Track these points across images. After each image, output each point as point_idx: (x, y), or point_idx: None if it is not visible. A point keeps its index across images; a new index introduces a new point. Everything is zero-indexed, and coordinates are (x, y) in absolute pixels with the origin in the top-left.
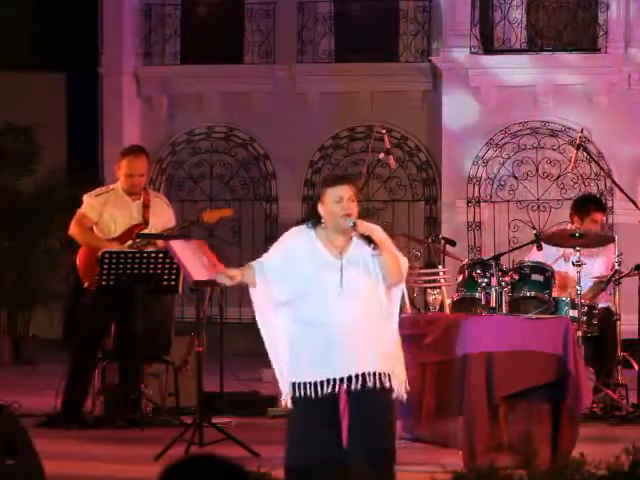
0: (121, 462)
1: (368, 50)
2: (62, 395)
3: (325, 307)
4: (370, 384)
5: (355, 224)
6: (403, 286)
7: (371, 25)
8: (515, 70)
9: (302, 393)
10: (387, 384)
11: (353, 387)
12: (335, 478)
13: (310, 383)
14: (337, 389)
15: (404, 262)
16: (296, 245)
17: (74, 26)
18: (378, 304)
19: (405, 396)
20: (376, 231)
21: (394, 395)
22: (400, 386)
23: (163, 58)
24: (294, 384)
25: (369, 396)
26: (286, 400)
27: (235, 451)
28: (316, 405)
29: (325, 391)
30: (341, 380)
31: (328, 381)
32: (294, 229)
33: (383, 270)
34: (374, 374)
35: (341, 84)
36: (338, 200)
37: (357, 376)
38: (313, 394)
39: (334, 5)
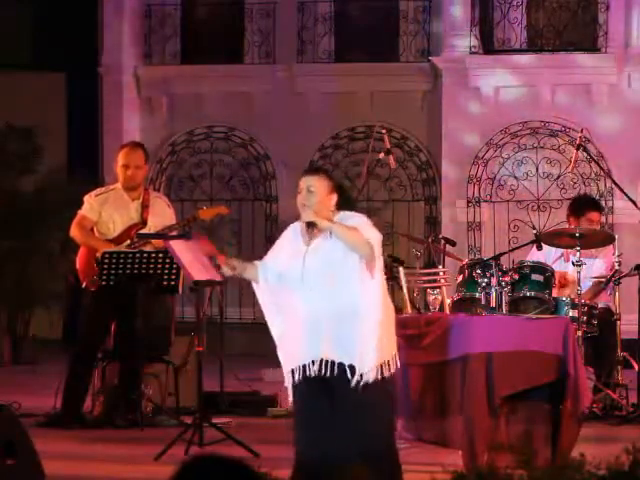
0: (121, 462)
1: (368, 50)
2: (62, 395)
3: (291, 294)
4: (325, 372)
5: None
6: (376, 261)
7: (371, 25)
8: (515, 70)
9: (290, 381)
10: (335, 373)
11: (309, 373)
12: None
13: (292, 370)
14: (304, 377)
15: (371, 235)
16: (283, 240)
17: (74, 26)
18: (342, 291)
19: (376, 377)
20: (314, 215)
21: (358, 384)
22: (369, 374)
23: (163, 58)
24: (287, 373)
25: (331, 385)
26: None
27: (235, 451)
28: (300, 393)
29: (298, 378)
30: (304, 367)
31: (299, 368)
32: (290, 225)
33: (346, 245)
34: (332, 363)
35: (341, 84)
36: (299, 191)
37: (314, 362)
38: (292, 381)
39: (334, 5)
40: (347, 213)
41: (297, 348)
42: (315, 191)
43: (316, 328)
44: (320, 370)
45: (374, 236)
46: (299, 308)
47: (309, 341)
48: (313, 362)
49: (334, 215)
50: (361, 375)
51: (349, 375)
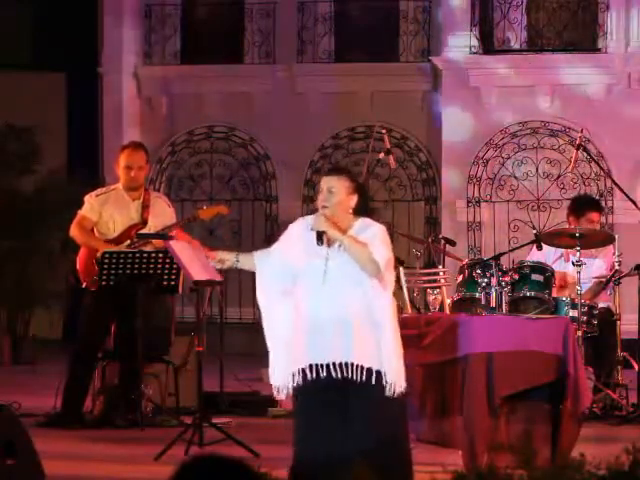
0: (121, 462)
1: (368, 50)
2: (62, 395)
3: (311, 294)
4: (346, 374)
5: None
6: (387, 281)
7: (371, 25)
8: (515, 70)
9: (296, 381)
10: (362, 377)
11: (333, 375)
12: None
13: (299, 369)
14: (318, 376)
15: (382, 252)
16: (294, 234)
17: (74, 26)
18: (363, 296)
19: (398, 391)
20: (327, 223)
21: (376, 389)
22: (391, 383)
23: (163, 58)
24: (292, 374)
25: (350, 387)
26: (280, 392)
27: (235, 451)
28: (310, 393)
29: (310, 378)
30: (320, 367)
31: (311, 367)
32: (298, 219)
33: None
34: (352, 365)
35: (341, 84)
36: (320, 191)
37: (334, 365)
38: (301, 381)
39: (334, 5)
40: (366, 221)
41: (307, 349)
42: (335, 192)
43: (339, 331)
44: (344, 373)
45: (384, 254)
46: (321, 311)
47: (329, 343)
48: (335, 364)
49: (352, 220)
50: (389, 380)
51: (372, 380)
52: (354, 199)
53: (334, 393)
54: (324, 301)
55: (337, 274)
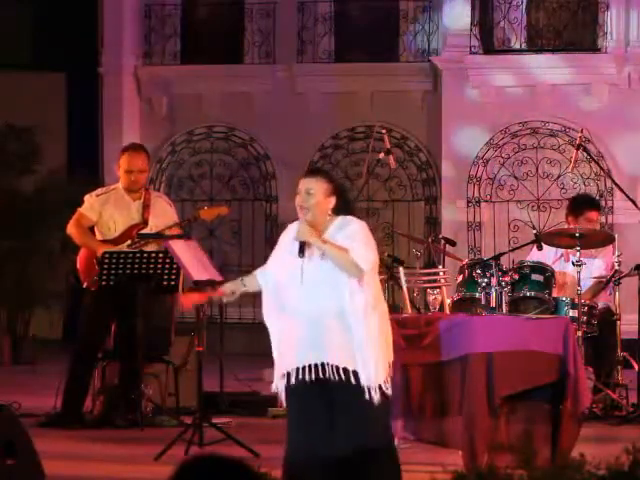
0: (121, 462)
1: (368, 50)
2: (62, 395)
3: (290, 295)
4: (323, 375)
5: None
6: (368, 281)
7: (371, 25)
8: (515, 70)
9: (284, 385)
10: (338, 377)
11: (306, 376)
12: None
13: (286, 372)
14: (300, 379)
15: (363, 254)
16: (282, 241)
17: (74, 26)
18: (340, 295)
19: (377, 395)
20: (309, 233)
21: (354, 389)
22: (370, 384)
23: (163, 58)
24: (281, 376)
25: (331, 388)
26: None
27: (235, 451)
28: (297, 395)
29: (295, 380)
30: (302, 369)
31: (296, 370)
32: (288, 226)
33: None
34: (332, 366)
35: (341, 84)
36: (298, 192)
37: (314, 366)
38: (288, 384)
39: (334, 5)
40: (346, 219)
41: (295, 350)
42: (314, 193)
43: (316, 331)
44: (320, 373)
45: (365, 254)
46: (299, 310)
47: (308, 343)
48: (310, 366)
49: (332, 219)
50: (364, 382)
51: (351, 380)
52: (332, 201)
53: (320, 394)
54: (302, 301)
55: (314, 273)
